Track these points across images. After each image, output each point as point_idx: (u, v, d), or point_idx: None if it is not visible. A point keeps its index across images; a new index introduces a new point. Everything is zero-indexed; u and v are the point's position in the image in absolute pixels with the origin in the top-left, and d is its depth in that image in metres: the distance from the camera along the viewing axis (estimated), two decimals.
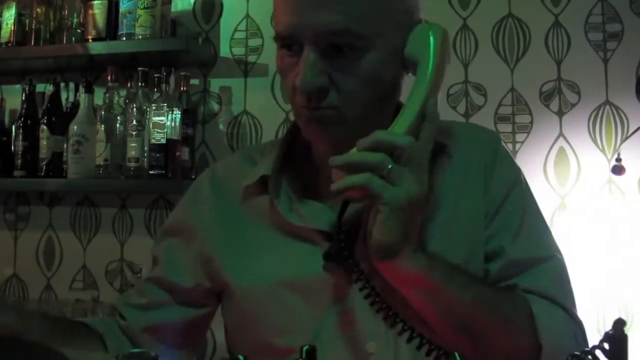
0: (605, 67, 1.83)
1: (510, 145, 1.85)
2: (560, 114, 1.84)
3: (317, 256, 0.79)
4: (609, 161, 1.79)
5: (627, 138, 1.76)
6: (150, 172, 1.82)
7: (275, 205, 0.86)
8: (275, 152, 0.90)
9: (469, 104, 1.89)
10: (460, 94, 1.90)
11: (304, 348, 0.52)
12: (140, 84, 1.87)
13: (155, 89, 1.88)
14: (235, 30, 2.04)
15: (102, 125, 1.87)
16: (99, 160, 1.87)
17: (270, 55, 2.01)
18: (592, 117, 1.83)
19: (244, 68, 2.03)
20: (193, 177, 1.94)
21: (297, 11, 0.76)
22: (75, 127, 1.88)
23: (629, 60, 1.81)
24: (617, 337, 0.59)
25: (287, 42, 0.79)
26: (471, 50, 1.90)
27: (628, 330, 1.09)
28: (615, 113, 1.82)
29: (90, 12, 1.93)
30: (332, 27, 0.75)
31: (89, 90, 1.90)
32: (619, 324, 0.59)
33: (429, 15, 2.11)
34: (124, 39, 1.88)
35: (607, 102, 1.83)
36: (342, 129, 0.79)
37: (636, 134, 1.73)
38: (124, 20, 1.89)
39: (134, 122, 1.83)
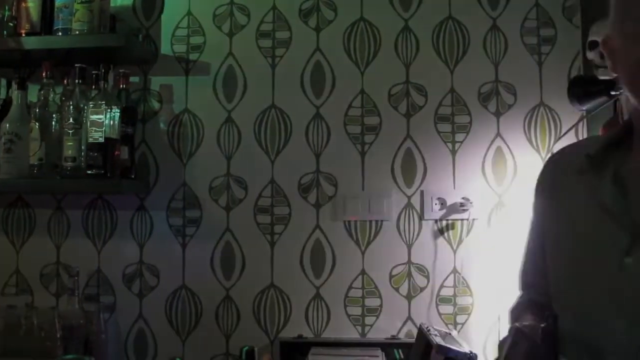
0: (539, 70, 1.90)
1: (450, 145, 1.90)
2: (497, 114, 1.90)
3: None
4: (543, 160, 1.85)
5: (559, 138, 1.83)
6: (88, 171, 1.77)
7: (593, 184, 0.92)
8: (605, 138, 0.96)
9: (410, 104, 1.92)
10: (401, 94, 1.93)
11: (244, 349, 0.51)
12: (77, 80, 1.81)
13: (93, 86, 1.82)
14: (177, 27, 2.01)
15: (37, 124, 1.81)
16: (33, 160, 1.80)
17: (212, 53, 1.99)
18: (527, 118, 1.89)
19: (185, 66, 2.00)
20: (133, 176, 1.90)
21: None
22: (8, 125, 1.80)
23: (562, 64, 1.89)
24: (548, 330, 0.61)
25: None
26: (412, 51, 1.93)
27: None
28: (549, 114, 1.89)
29: (23, 4, 1.85)
30: None
31: (22, 87, 1.83)
32: (550, 317, 0.61)
33: (370, 15, 2.14)
34: (60, 34, 1.83)
35: (541, 103, 1.89)
36: None
37: (568, 134, 1.80)
38: (60, 15, 1.83)
39: (71, 120, 1.78)
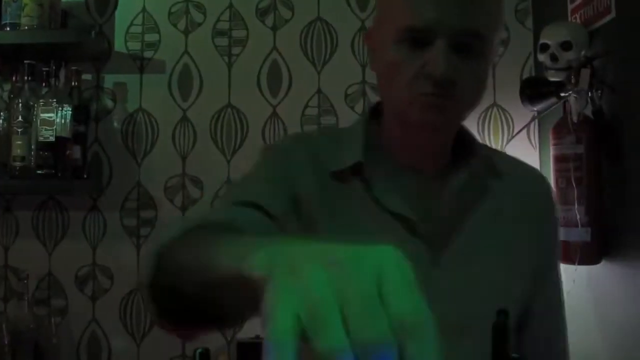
0: (493, 71, 1.94)
1: None
2: None
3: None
4: None
5: (512, 138, 1.87)
6: (38, 171, 1.73)
7: (371, 191, 0.87)
8: (361, 139, 0.90)
9: (366, 104, 1.93)
10: (358, 94, 1.94)
11: (198, 351, 0.50)
12: (26, 77, 1.77)
13: (44, 84, 1.78)
14: (131, 24, 1.97)
15: None
16: None
17: (167, 51, 1.96)
18: (481, 118, 1.93)
19: (140, 64, 1.96)
20: (85, 176, 1.85)
21: (438, 6, 0.78)
22: None
23: (515, 66, 1.93)
24: (499, 327, 0.62)
25: (419, 35, 0.80)
26: None
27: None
28: (502, 114, 1.93)
29: None
30: (469, 26, 0.79)
31: None
32: (502, 314, 0.63)
33: (327, 14, 2.14)
34: (8, 29, 1.77)
35: (494, 104, 1.93)
36: (447, 122, 0.83)
37: (520, 134, 1.84)
38: (8, 9, 1.78)
39: (20, 119, 1.73)
